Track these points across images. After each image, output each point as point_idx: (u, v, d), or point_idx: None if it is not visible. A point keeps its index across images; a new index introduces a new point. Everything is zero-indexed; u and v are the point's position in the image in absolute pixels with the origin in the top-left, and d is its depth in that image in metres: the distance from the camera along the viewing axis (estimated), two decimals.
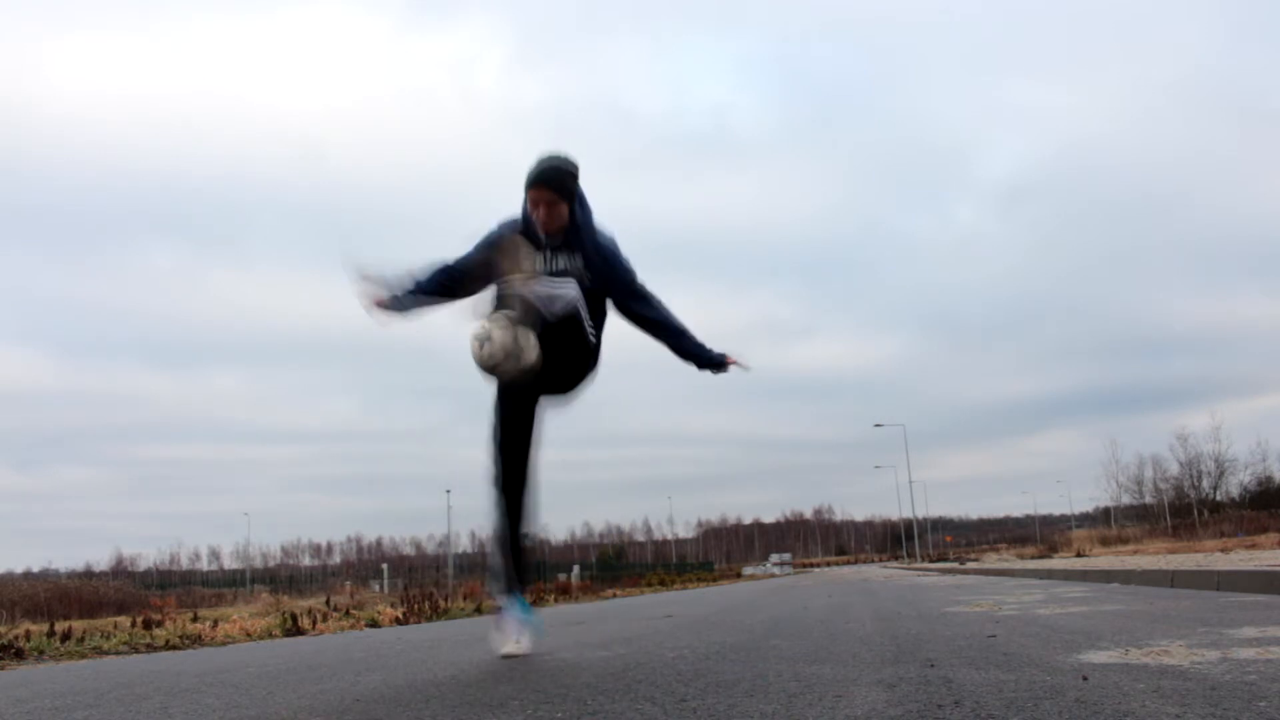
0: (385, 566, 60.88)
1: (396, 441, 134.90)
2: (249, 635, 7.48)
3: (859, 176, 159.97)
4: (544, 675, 2.76)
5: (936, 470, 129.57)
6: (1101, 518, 70.82)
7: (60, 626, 8.12)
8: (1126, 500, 63.20)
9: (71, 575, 59.33)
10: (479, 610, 10.54)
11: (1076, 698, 1.85)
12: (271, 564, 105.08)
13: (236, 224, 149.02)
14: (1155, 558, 16.49)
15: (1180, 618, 3.74)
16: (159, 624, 8.94)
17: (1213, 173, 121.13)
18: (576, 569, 39.78)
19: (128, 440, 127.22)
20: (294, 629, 7.88)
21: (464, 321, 3.27)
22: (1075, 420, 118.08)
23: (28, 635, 7.33)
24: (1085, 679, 2.10)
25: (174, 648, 6.50)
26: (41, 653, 5.98)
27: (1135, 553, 30.67)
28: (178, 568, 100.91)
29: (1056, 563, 18.01)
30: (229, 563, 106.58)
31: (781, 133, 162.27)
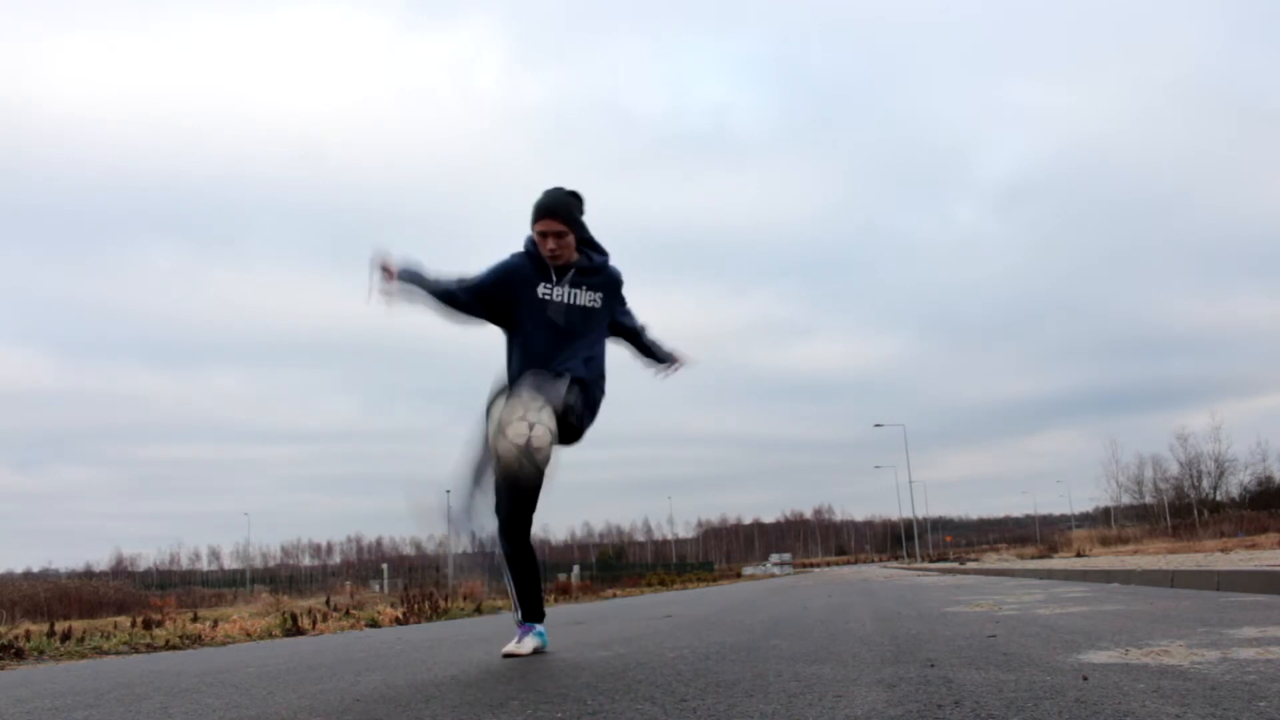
0: (385, 566, 60.90)
1: (396, 441, 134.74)
2: (249, 635, 7.49)
3: (859, 176, 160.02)
4: (544, 675, 2.76)
5: (936, 470, 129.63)
6: (1101, 518, 70.84)
7: (60, 626, 8.12)
8: (1126, 500, 63.27)
9: (71, 575, 59.36)
10: (479, 610, 10.55)
11: (1076, 698, 1.85)
12: (271, 564, 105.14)
13: (236, 224, 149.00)
14: (1155, 558, 16.50)
15: (1180, 618, 3.74)
16: (159, 624, 8.95)
17: (1213, 173, 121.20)
18: (576, 569, 39.78)
19: (128, 440, 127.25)
20: (294, 629, 7.88)
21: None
22: (1075, 420, 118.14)
23: (28, 635, 7.33)
24: (1085, 679, 2.10)
25: (174, 648, 6.50)
26: (41, 653, 5.99)
27: (1135, 553, 30.68)
28: (178, 568, 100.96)
29: (1056, 563, 18.02)
30: (229, 563, 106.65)
31: (781, 133, 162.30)
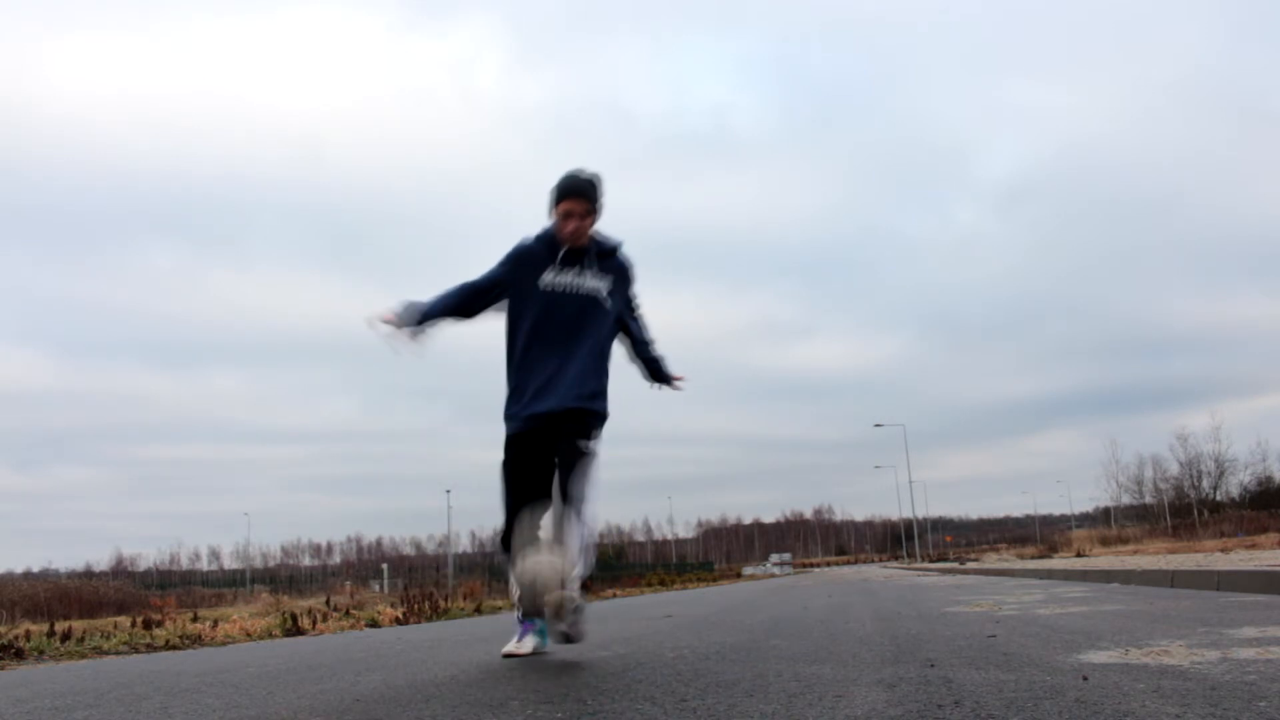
0: (385, 566, 60.90)
1: (396, 441, 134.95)
2: (249, 635, 7.48)
3: (859, 177, 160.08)
4: (544, 675, 2.76)
5: (936, 470, 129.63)
6: (1101, 518, 70.82)
7: (60, 626, 8.12)
8: (1126, 500, 63.25)
9: (71, 575, 59.46)
10: (479, 610, 10.55)
11: (1076, 698, 1.85)
12: (271, 564, 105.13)
13: (236, 224, 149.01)
14: (1155, 558, 16.49)
15: (1180, 618, 3.74)
16: (159, 624, 8.95)
17: (1213, 173, 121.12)
18: None
19: (128, 440, 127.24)
20: (294, 629, 7.88)
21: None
22: (1075, 420, 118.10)
23: (28, 635, 7.33)
24: (1085, 679, 2.10)
25: (174, 648, 6.50)
26: (41, 653, 5.99)
27: (1135, 553, 30.68)
28: (178, 568, 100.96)
29: (1056, 563, 18.02)
30: (229, 563, 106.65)
31: (781, 133, 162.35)
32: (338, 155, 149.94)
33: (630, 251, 3.51)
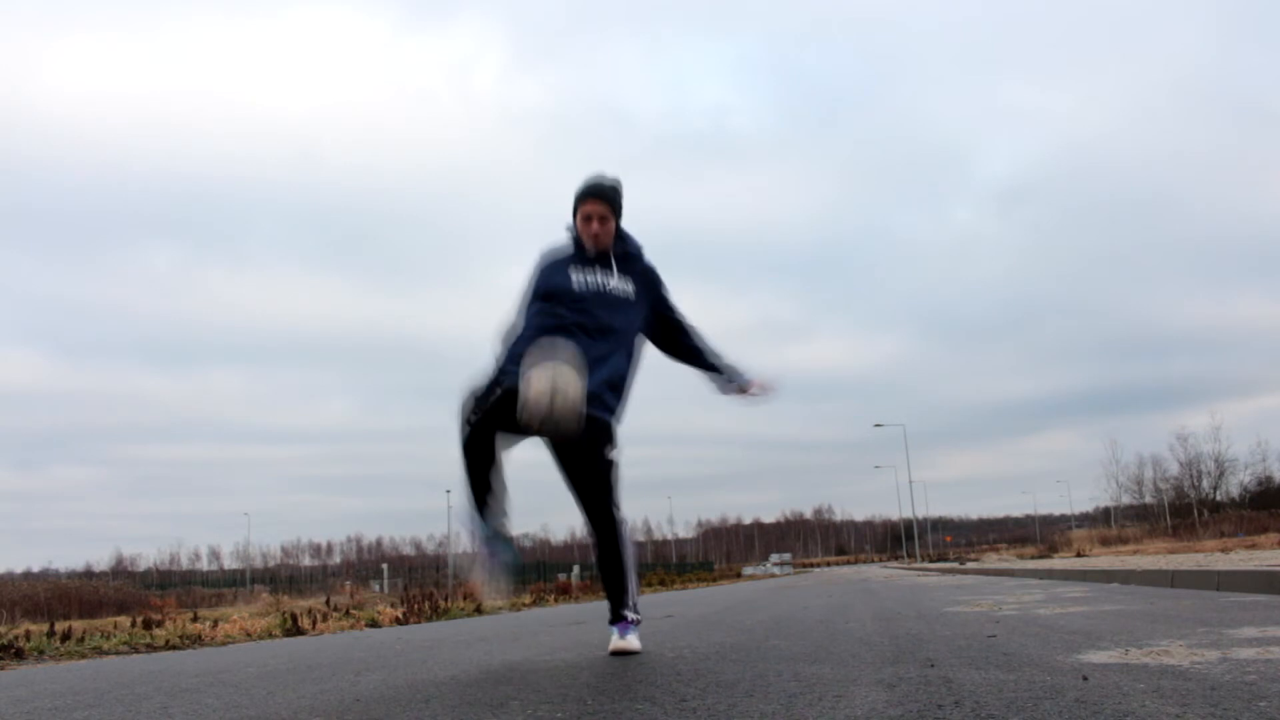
0: (385, 566, 60.85)
1: (396, 442, 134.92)
2: (249, 635, 7.48)
3: (858, 177, 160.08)
4: (544, 675, 2.76)
5: (936, 470, 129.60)
6: (1101, 518, 70.78)
7: (60, 626, 8.12)
8: (1126, 500, 63.19)
9: (71, 575, 59.39)
10: (479, 610, 10.55)
11: (1076, 698, 1.85)
12: (271, 564, 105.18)
13: (236, 224, 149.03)
14: (1155, 558, 16.49)
15: (1180, 618, 3.74)
16: (159, 624, 8.94)
17: (1212, 173, 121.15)
18: (576, 569, 39.73)
19: (128, 440, 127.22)
20: (294, 629, 7.88)
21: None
22: (1075, 420, 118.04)
23: (28, 635, 7.33)
24: (1085, 679, 2.10)
25: (174, 648, 6.50)
26: (41, 653, 5.98)
27: (1135, 553, 30.66)
28: (178, 568, 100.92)
29: (1056, 563, 18.01)
30: (229, 563, 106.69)
31: (781, 133, 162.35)
32: (337, 155, 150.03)
33: (653, 259, 3.46)
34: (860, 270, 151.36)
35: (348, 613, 10.59)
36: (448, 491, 55.17)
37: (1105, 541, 49.33)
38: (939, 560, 53.32)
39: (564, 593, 18.66)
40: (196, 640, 6.96)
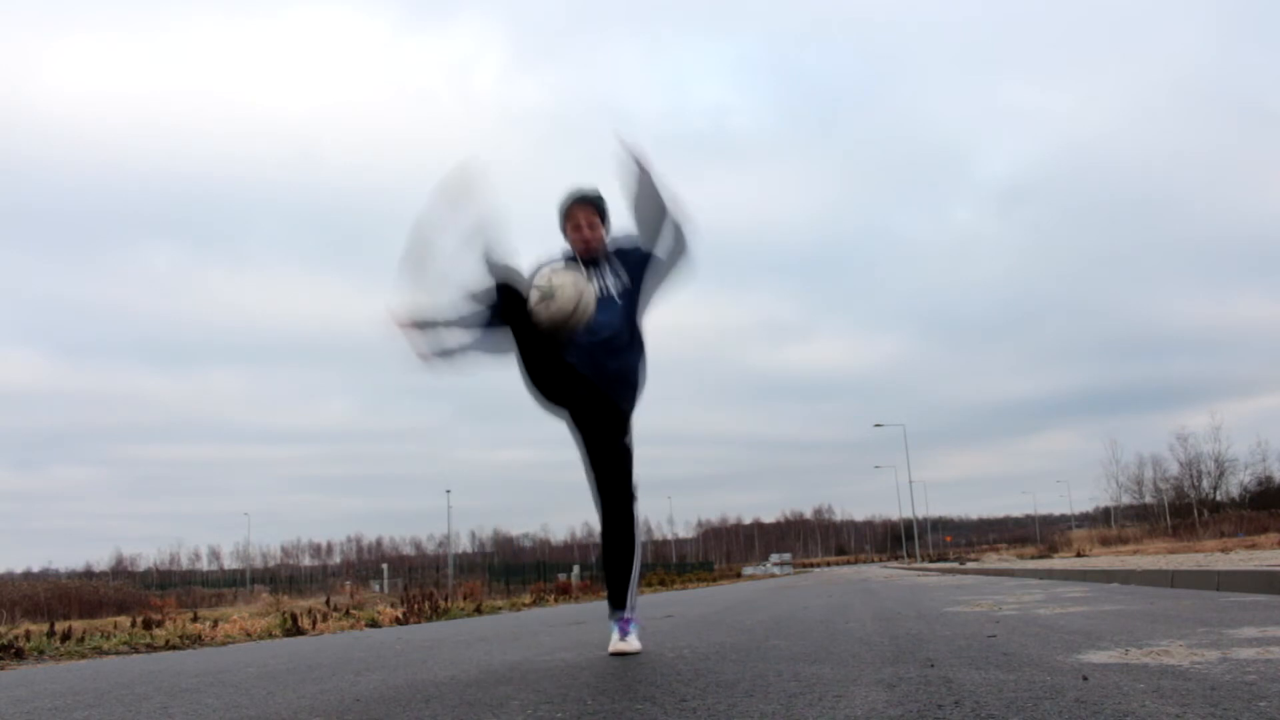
0: (385, 566, 60.87)
1: (396, 441, 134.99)
2: (249, 635, 7.48)
3: (858, 177, 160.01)
4: (544, 675, 2.76)
5: (936, 470, 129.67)
6: (1101, 518, 70.78)
7: (60, 626, 8.12)
8: (1126, 500, 63.18)
9: (71, 575, 59.42)
10: (479, 610, 10.55)
11: (1076, 698, 1.85)
12: (271, 564, 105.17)
13: (235, 224, 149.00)
14: (1155, 558, 16.49)
15: (1180, 618, 3.74)
16: (159, 624, 8.95)
17: (1212, 173, 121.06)
18: (576, 569, 39.74)
19: (128, 440, 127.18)
20: (294, 629, 7.88)
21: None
22: (1075, 420, 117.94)
23: (28, 635, 7.33)
24: (1085, 679, 2.10)
25: (174, 648, 6.50)
26: (41, 653, 5.98)
27: (1135, 553, 30.67)
28: (178, 568, 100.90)
29: (1056, 563, 18.02)
30: (229, 563, 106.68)
31: (781, 133, 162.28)
32: (337, 155, 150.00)
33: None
34: (860, 270, 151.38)
35: (348, 613, 10.59)
36: (448, 491, 55.20)
37: (1105, 541, 49.33)
38: (939, 560, 53.33)
39: (564, 593, 18.66)
40: (196, 640, 6.96)
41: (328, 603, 14.15)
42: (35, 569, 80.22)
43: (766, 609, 6.75)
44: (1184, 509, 57.16)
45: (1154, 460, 61.17)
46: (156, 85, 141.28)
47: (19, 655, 5.76)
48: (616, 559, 3.38)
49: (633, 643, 3.38)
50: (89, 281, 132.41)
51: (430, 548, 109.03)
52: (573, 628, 5.55)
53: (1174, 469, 59.52)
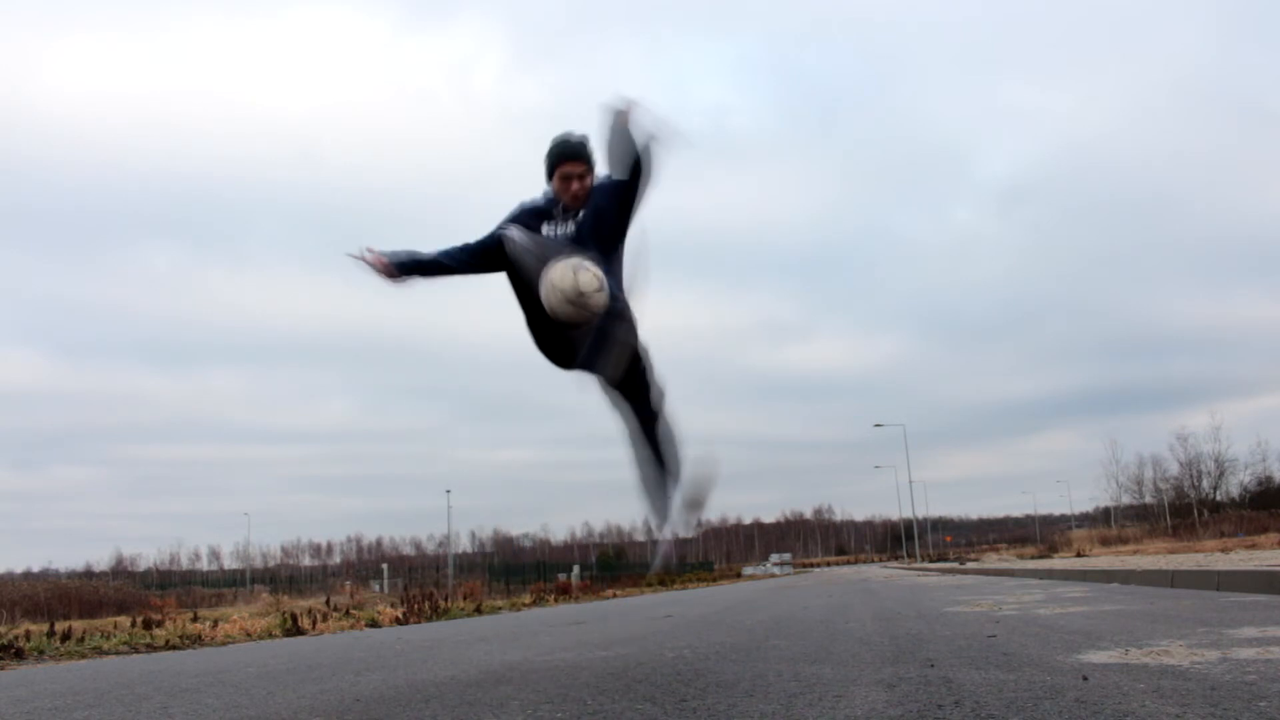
0: (385, 566, 60.86)
1: (396, 441, 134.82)
2: (249, 635, 7.49)
3: (858, 177, 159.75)
4: (544, 675, 2.76)
5: (936, 470, 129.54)
6: (1101, 518, 70.76)
7: (60, 626, 8.12)
8: (1126, 500, 63.14)
9: (71, 575, 59.37)
10: (479, 610, 10.55)
11: (1076, 698, 1.85)
12: (271, 564, 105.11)
13: (235, 224, 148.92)
14: (1155, 558, 16.49)
15: (1180, 618, 3.74)
16: (159, 624, 8.95)
17: (1212, 173, 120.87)
18: (576, 569, 39.76)
19: (128, 440, 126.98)
20: (294, 629, 7.88)
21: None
22: (1075, 420, 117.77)
23: (28, 635, 7.33)
24: (1085, 679, 2.10)
25: (174, 648, 6.50)
26: (41, 653, 5.99)
27: (1135, 553, 30.67)
28: (178, 568, 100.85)
29: (1056, 563, 18.02)
30: (229, 563, 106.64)
31: (781, 133, 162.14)
32: (337, 155, 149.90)
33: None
34: (860, 270, 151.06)
35: (348, 613, 10.59)
36: (448, 491, 55.18)
37: (1105, 541, 49.33)
38: (939, 560, 53.32)
39: (564, 593, 18.66)
40: (196, 640, 6.96)
41: (328, 603, 14.15)
42: (35, 569, 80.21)
43: (766, 609, 6.75)
44: (1184, 509, 57.16)
45: (1154, 460, 61.16)
46: (156, 85, 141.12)
47: (19, 655, 5.76)
48: (661, 445, 3.42)
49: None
50: (89, 281, 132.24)
51: (430, 548, 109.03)
52: (573, 628, 5.56)
53: (1174, 469, 59.52)
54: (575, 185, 3.27)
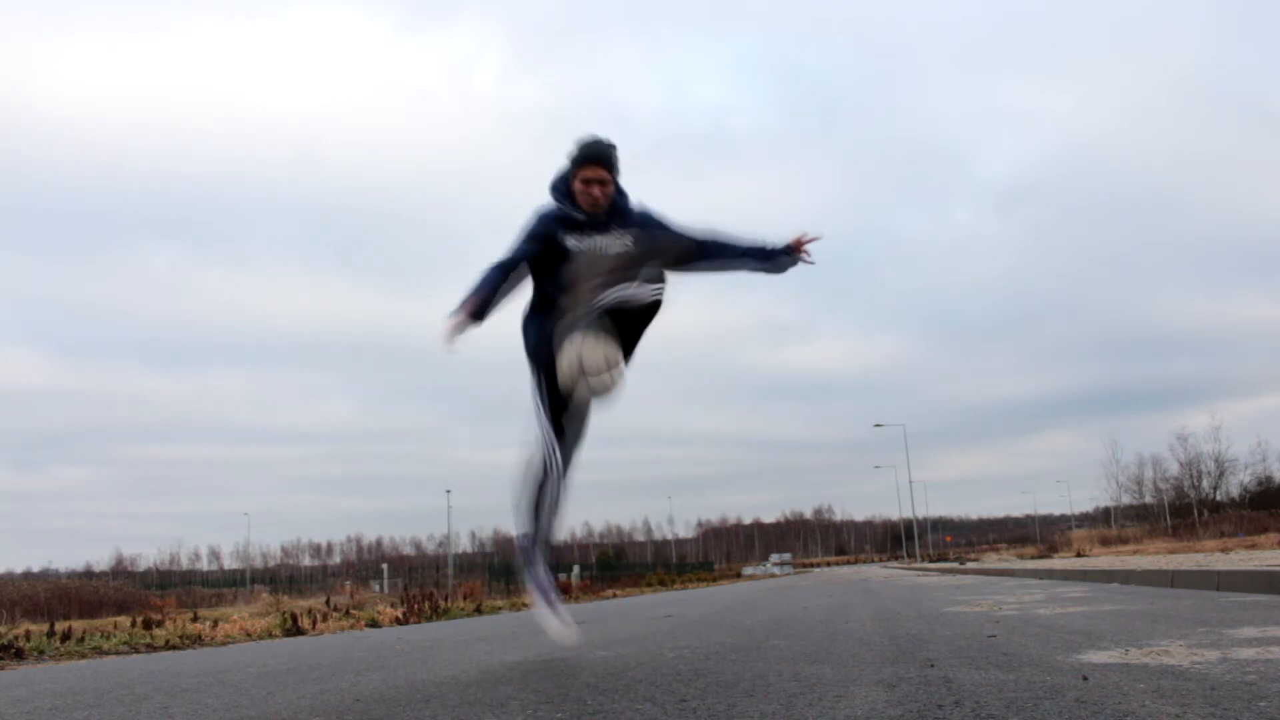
0: (385, 566, 60.84)
1: (396, 441, 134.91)
2: (249, 635, 7.48)
3: (858, 177, 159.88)
4: (544, 675, 2.76)
5: (936, 470, 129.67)
6: (1101, 518, 70.75)
7: (60, 626, 8.12)
8: (1126, 500, 63.15)
9: (71, 575, 59.36)
10: (479, 610, 10.55)
11: (1076, 698, 1.85)
12: (271, 564, 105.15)
13: (235, 224, 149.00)
14: (1155, 558, 16.49)
15: (1180, 618, 3.74)
16: (159, 624, 8.94)
17: (1212, 173, 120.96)
18: (576, 569, 39.75)
19: (128, 440, 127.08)
20: (294, 629, 7.88)
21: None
22: (1075, 420, 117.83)
23: (28, 635, 7.33)
24: (1085, 679, 2.10)
25: (174, 648, 6.50)
26: (41, 653, 5.98)
27: (1135, 553, 30.66)
28: (178, 568, 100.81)
29: (1056, 563, 18.01)
30: (229, 563, 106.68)
31: (781, 133, 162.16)
32: (337, 155, 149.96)
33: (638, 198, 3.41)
34: (860, 270, 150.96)
35: (348, 613, 10.59)
36: (448, 491, 55.20)
37: (1105, 541, 49.33)
38: (939, 560, 53.33)
39: (564, 593, 18.64)
40: (196, 640, 6.96)
41: (328, 603, 14.15)
42: (35, 569, 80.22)
43: (766, 609, 6.75)
44: (1184, 509, 57.15)
45: (1154, 460, 61.17)
46: (156, 85, 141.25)
47: (19, 655, 5.76)
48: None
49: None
50: (89, 281, 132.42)
51: (430, 548, 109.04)
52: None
53: (1174, 469, 59.53)
54: (597, 190, 3.22)
